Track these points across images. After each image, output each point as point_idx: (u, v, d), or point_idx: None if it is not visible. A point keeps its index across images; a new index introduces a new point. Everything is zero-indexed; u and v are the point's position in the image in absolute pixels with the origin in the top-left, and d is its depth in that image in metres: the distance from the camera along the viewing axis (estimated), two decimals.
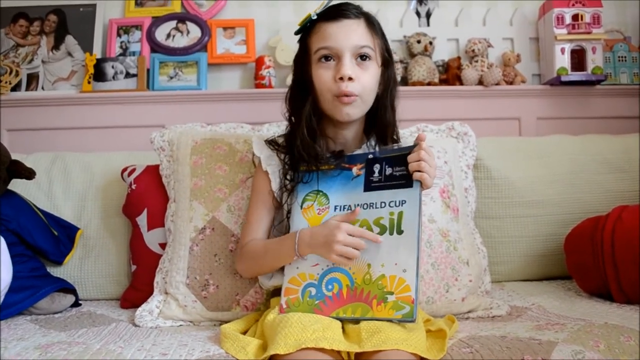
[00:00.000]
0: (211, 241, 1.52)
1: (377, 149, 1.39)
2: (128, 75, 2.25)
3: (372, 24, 1.34)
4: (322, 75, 1.30)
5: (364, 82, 1.29)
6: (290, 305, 1.22)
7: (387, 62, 1.37)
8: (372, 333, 1.08)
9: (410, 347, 1.05)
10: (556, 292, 1.71)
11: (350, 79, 1.27)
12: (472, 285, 1.53)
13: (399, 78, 2.25)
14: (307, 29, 1.36)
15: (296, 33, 1.39)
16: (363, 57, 1.30)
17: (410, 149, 1.25)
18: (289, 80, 2.18)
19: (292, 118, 1.39)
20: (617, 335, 1.17)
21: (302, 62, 1.36)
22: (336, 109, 1.31)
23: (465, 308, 1.49)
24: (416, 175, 1.20)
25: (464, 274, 1.51)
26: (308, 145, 1.33)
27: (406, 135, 1.74)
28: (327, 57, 1.30)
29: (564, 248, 1.72)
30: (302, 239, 1.22)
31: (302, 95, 1.34)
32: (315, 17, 1.31)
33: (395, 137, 1.43)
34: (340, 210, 1.27)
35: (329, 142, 1.40)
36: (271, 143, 1.43)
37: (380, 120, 1.39)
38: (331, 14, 1.30)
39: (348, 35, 1.28)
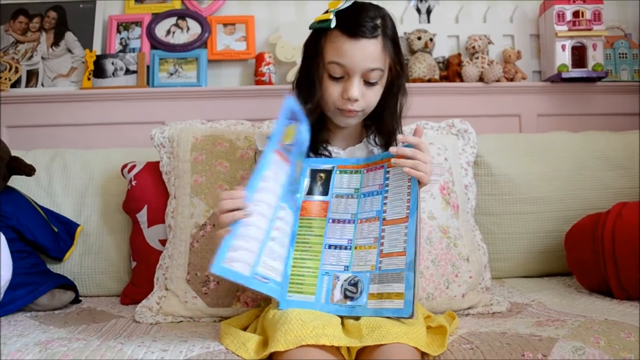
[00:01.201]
0: (212, 237, 1.52)
1: (375, 140, 1.43)
2: (128, 71, 2.25)
3: (388, 37, 1.31)
4: (330, 88, 1.32)
5: (368, 99, 1.33)
6: None
7: (397, 73, 1.37)
8: (373, 329, 1.08)
9: (411, 341, 1.06)
10: (556, 288, 1.71)
11: (356, 100, 1.30)
12: (472, 281, 1.53)
13: None
14: (323, 28, 1.33)
15: (310, 28, 1.37)
16: (371, 81, 1.31)
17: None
18: (289, 76, 2.19)
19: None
20: (617, 331, 1.17)
21: (313, 56, 1.34)
22: (337, 117, 1.36)
23: (465, 304, 1.49)
24: (413, 174, 1.19)
25: (464, 271, 1.51)
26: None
27: (406, 132, 1.73)
28: (337, 73, 1.30)
29: (565, 245, 1.72)
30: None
31: (308, 88, 1.34)
32: (334, 26, 1.28)
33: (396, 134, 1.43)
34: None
35: (329, 134, 1.42)
36: None
37: (384, 123, 1.41)
38: (350, 28, 1.27)
39: (363, 57, 1.27)
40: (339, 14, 1.29)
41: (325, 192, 1.31)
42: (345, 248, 1.24)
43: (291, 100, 1.24)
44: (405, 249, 1.16)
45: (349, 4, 1.30)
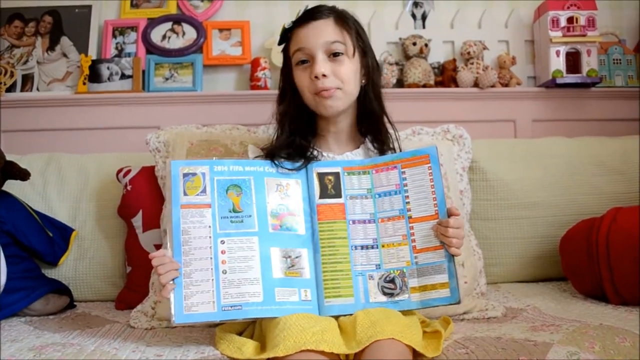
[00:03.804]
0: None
1: (374, 145, 1.44)
2: (123, 76, 2.25)
3: (342, 19, 1.38)
4: (300, 76, 1.37)
5: (341, 75, 1.35)
6: None
7: (363, 51, 1.41)
8: (368, 327, 1.09)
9: (405, 339, 1.06)
10: (551, 293, 1.71)
11: (324, 75, 1.33)
12: (467, 286, 1.53)
13: (394, 80, 2.25)
14: (287, 39, 1.41)
15: (279, 44, 1.44)
16: (336, 53, 1.34)
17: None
18: None
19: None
20: (612, 336, 1.17)
21: (286, 70, 1.42)
22: (319, 104, 1.37)
23: (460, 309, 1.49)
24: (453, 252, 1.23)
25: (459, 276, 1.50)
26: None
27: (402, 137, 1.73)
28: (303, 61, 1.36)
29: (559, 249, 1.72)
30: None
31: (289, 95, 1.41)
32: (289, 26, 1.38)
33: (389, 133, 1.47)
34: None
35: (322, 140, 1.44)
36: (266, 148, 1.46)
37: (367, 111, 1.44)
38: (302, 19, 1.37)
39: (318, 34, 1.34)
40: (295, 22, 1.38)
41: (338, 195, 1.31)
42: (373, 247, 1.27)
43: (176, 163, 1.26)
44: (441, 243, 1.23)
45: (301, 13, 1.39)
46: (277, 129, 1.44)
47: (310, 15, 1.36)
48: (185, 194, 1.23)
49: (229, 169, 1.28)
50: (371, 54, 1.43)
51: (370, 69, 1.42)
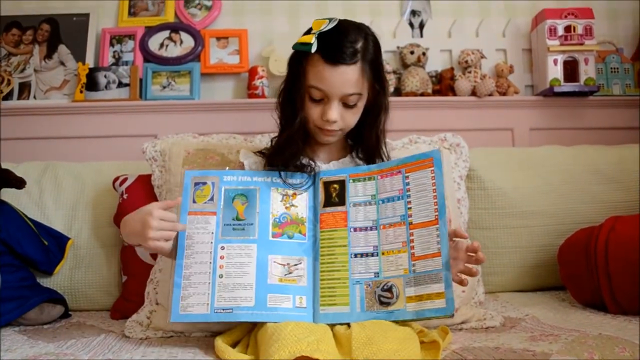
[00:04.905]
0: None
1: (359, 155, 1.46)
2: (120, 84, 2.24)
3: (367, 61, 1.32)
4: (310, 109, 1.36)
5: (347, 120, 1.37)
6: None
7: (377, 92, 1.39)
8: (364, 344, 1.07)
9: (402, 358, 1.04)
10: (550, 302, 1.70)
11: (335, 121, 1.34)
12: (465, 296, 1.52)
13: (392, 89, 2.25)
14: (305, 50, 1.34)
15: (293, 48, 1.38)
16: (350, 104, 1.34)
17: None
18: None
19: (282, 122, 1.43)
20: (611, 346, 1.15)
21: (296, 76, 1.36)
22: (318, 135, 1.40)
23: (458, 319, 1.48)
24: (463, 282, 1.24)
25: (456, 285, 1.50)
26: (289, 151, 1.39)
27: (398, 146, 1.74)
28: (317, 96, 1.33)
29: (558, 259, 1.71)
30: (122, 227, 1.29)
31: (292, 107, 1.37)
32: (315, 50, 1.29)
33: (382, 150, 1.46)
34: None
35: (312, 149, 1.45)
36: (260, 152, 1.48)
37: (364, 140, 1.44)
38: (330, 54, 1.29)
39: (341, 83, 1.30)
40: (320, 37, 1.30)
41: (342, 203, 1.32)
42: (372, 255, 1.26)
43: (189, 173, 1.33)
44: (439, 250, 1.20)
45: (332, 25, 1.31)
46: (275, 143, 1.43)
47: (339, 56, 1.28)
48: (194, 202, 1.30)
49: (237, 179, 1.33)
50: (385, 94, 1.41)
51: (380, 108, 1.40)
